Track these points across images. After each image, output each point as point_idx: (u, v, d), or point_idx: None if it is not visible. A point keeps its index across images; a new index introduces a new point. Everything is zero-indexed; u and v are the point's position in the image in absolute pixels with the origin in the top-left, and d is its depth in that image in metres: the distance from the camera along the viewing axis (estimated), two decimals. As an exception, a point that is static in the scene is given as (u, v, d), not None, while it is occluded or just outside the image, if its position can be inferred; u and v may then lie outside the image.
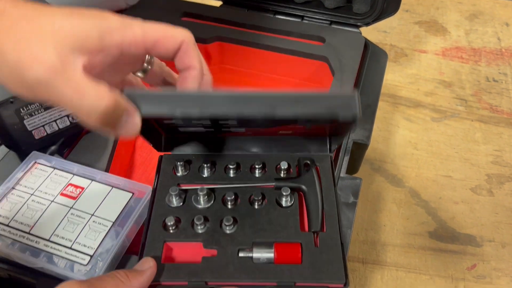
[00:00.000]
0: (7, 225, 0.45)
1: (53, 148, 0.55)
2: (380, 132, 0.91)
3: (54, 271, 0.43)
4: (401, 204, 0.80)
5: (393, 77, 1.03)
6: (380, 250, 0.74)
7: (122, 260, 0.46)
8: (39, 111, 0.51)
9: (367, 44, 0.72)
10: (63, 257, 0.43)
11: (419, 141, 0.90)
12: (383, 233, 0.76)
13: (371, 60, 0.70)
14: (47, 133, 0.53)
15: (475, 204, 0.79)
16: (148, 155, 0.66)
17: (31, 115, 0.51)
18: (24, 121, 0.51)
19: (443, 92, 1.00)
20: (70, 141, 0.58)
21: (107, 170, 0.54)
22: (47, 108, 0.51)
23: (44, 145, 0.54)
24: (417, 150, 0.89)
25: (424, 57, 1.09)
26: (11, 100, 0.49)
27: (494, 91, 1.00)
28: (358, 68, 0.67)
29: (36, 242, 0.44)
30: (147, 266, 0.39)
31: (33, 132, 0.52)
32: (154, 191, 0.46)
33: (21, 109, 0.50)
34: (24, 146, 0.52)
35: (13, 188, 0.48)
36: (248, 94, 0.34)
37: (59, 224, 0.45)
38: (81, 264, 0.42)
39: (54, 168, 0.50)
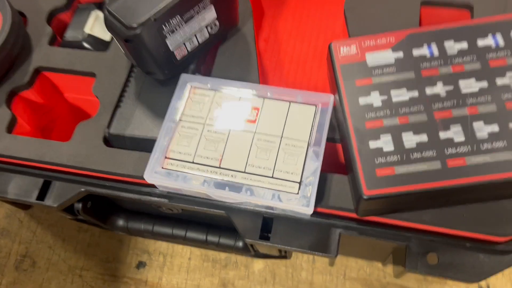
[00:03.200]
0: (193, 162, 0.40)
1: (192, 67, 0.48)
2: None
3: (259, 204, 0.39)
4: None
5: None
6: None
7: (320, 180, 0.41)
8: (180, 25, 0.43)
9: None
10: (267, 188, 0.38)
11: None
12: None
13: None
14: (187, 51, 0.46)
15: None
16: (276, 58, 0.58)
17: (172, 32, 0.43)
18: (166, 40, 0.43)
19: None
20: (203, 56, 0.50)
21: (259, 81, 0.48)
22: (188, 19, 0.43)
23: (185, 65, 0.47)
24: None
25: None
26: (153, 18, 0.40)
27: None
28: None
29: (232, 176, 0.39)
30: None
31: (175, 52, 0.44)
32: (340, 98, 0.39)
33: (163, 26, 0.42)
34: (166, 69, 0.45)
35: (180, 120, 0.42)
36: None
37: (249, 153, 0.40)
38: (289, 192, 0.38)
39: (215, 90, 0.43)
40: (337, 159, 0.44)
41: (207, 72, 0.50)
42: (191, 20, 0.44)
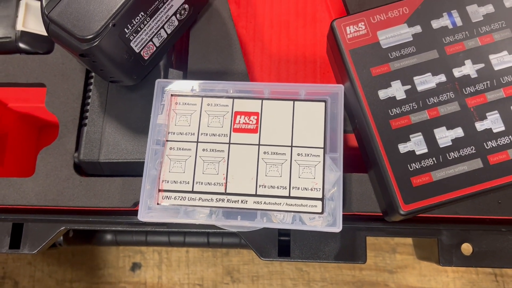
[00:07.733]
0: (193, 192, 0.34)
1: (161, 64, 0.40)
2: None
3: (279, 228, 0.34)
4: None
5: None
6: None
7: (338, 184, 0.36)
8: (145, 22, 0.34)
9: None
10: (286, 211, 0.33)
11: None
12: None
13: None
14: (156, 46, 0.37)
15: None
16: (253, 24, 0.50)
17: (137, 33, 0.34)
18: (131, 43, 0.34)
19: None
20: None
21: (245, 68, 0.40)
22: (153, 13, 0.34)
23: (155, 62, 0.39)
24: None
25: None
26: (112, 23, 0.31)
27: None
28: None
29: (242, 201, 0.33)
30: None
31: (142, 53, 0.36)
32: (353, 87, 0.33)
33: (125, 30, 0.33)
34: (135, 74, 0.37)
35: (167, 141, 0.35)
36: None
37: (257, 171, 0.34)
38: (312, 212, 0.33)
39: (201, 96, 0.36)
40: (347, 153, 0.39)
41: (182, 64, 0.42)
42: (157, 12, 0.35)
